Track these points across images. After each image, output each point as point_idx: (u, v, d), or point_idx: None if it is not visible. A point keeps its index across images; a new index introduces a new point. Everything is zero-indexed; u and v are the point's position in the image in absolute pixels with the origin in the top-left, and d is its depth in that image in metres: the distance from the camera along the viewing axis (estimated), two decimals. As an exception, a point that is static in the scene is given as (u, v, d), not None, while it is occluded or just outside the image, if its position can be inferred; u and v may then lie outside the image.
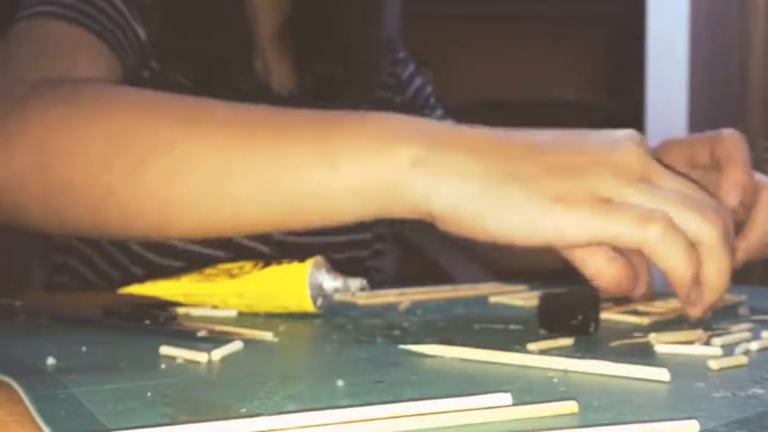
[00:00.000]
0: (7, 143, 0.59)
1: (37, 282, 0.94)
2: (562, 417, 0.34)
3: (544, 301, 0.55)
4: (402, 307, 0.63)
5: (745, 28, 2.12)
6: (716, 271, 0.51)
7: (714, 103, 2.16)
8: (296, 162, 0.53)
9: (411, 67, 1.06)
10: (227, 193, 0.55)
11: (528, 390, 0.39)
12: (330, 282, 0.59)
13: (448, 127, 0.54)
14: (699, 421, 0.32)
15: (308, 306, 0.58)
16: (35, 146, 0.58)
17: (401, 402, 0.34)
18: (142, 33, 0.81)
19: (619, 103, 2.72)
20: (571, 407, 0.35)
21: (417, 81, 1.05)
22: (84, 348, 0.48)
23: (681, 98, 2.16)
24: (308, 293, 0.58)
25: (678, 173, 0.53)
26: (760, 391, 0.39)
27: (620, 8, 2.73)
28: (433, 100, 1.06)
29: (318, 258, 0.59)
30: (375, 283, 0.92)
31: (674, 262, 0.49)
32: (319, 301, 0.59)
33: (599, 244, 0.50)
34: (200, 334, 0.50)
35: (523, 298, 0.67)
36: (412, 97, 1.04)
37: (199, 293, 0.60)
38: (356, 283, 0.59)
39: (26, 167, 0.59)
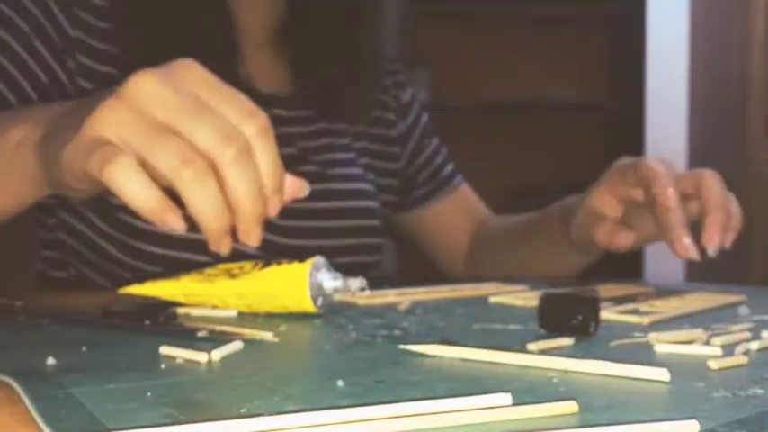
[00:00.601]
0: None
1: (33, 279, 0.94)
2: (562, 417, 0.34)
3: (544, 301, 0.55)
4: (402, 307, 0.63)
5: (745, 28, 2.12)
6: (240, 195, 0.49)
7: (714, 103, 2.16)
8: None
9: (410, 92, 1.06)
10: None
11: (528, 390, 0.39)
12: (330, 281, 0.59)
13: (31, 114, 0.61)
14: (699, 421, 0.32)
15: (309, 306, 0.58)
16: None
17: (401, 402, 0.34)
18: (35, 66, 0.82)
19: (619, 103, 2.72)
20: (571, 407, 0.35)
21: (415, 108, 1.06)
22: (84, 348, 0.48)
23: (681, 98, 2.16)
24: (308, 293, 0.58)
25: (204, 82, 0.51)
26: (760, 391, 0.39)
27: (620, 8, 2.73)
28: (429, 127, 1.07)
29: (318, 258, 0.59)
30: (375, 283, 0.93)
31: (132, 198, 0.48)
32: (319, 300, 0.59)
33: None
34: (200, 334, 0.50)
35: (523, 298, 0.67)
36: (411, 124, 1.04)
37: (199, 293, 0.60)
38: (356, 282, 0.59)
39: None
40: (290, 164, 0.89)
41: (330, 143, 0.94)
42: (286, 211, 0.88)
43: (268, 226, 0.86)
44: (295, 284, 0.58)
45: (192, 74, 0.50)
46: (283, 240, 0.88)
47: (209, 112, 0.49)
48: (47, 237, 0.91)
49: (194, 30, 0.84)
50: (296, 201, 0.89)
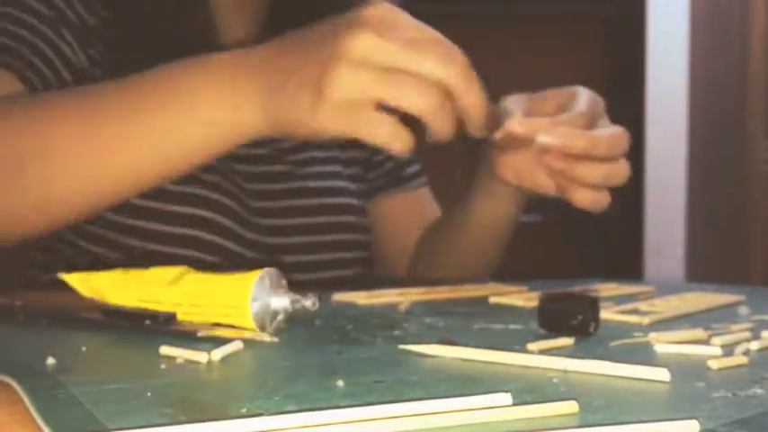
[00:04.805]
0: None
1: (23, 283, 0.95)
2: (562, 417, 0.34)
3: (544, 301, 0.55)
4: (402, 307, 0.63)
5: (746, 28, 2.12)
6: (471, 102, 0.59)
7: (714, 102, 2.16)
8: (152, 134, 0.64)
9: None
10: (99, 178, 0.66)
11: (528, 390, 0.39)
12: (278, 301, 0.52)
13: (232, 59, 0.64)
14: (699, 421, 0.32)
15: (252, 325, 0.51)
16: None
17: (401, 402, 0.34)
18: (79, 58, 0.82)
19: (619, 103, 2.72)
20: (571, 407, 0.35)
21: None
22: (84, 348, 0.48)
23: (681, 98, 2.16)
24: (250, 313, 0.51)
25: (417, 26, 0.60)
26: (760, 391, 0.39)
27: (620, 8, 2.73)
28: None
29: (266, 273, 0.53)
30: (374, 283, 0.92)
31: (401, 146, 0.59)
32: (271, 324, 0.52)
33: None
34: (201, 334, 0.50)
35: (523, 298, 0.67)
36: None
37: (129, 293, 0.56)
38: (308, 300, 0.52)
39: None
40: (261, 163, 0.90)
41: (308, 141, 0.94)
42: (263, 210, 0.90)
43: (248, 225, 0.88)
44: (237, 298, 0.52)
45: (390, 16, 0.59)
46: (262, 238, 0.88)
47: (424, 46, 0.58)
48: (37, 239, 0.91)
49: (175, 30, 0.84)
50: (270, 200, 0.89)
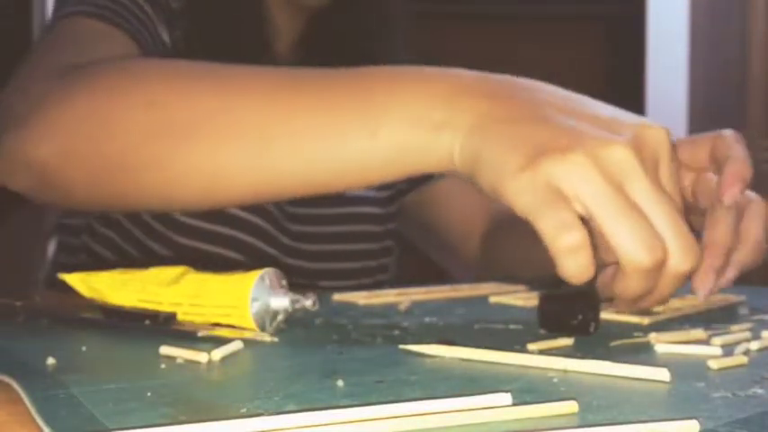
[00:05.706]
0: (49, 123, 0.61)
1: (40, 277, 0.96)
2: (562, 417, 0.34)
3: (544, 301, 0.55)
4: (402, 307, 0.63)
5: (746, 28, 2.12)
6: (667, 289, 0.49)
7: (714, 102, 2.16)
8: (336, 131, 0.54)
9: None
10: (269, 161, 0.56)
11: (528, 390, 0.39)
12: (278, 300, 0.52)
13: (462, 77, 0.55)
14: (699, 421, 0.32)
15: (252, 326, 0.52)
16: (76, 122, 0.60)
17: (401, 402, 0.34)
18: (166, 37, 0.84)
19: (619, 102, 2.72)
20: (571, 407, 0.35)
21: None
22: (84, 348, 0.48)
23: (681, 98, 2.16)
24: (249, 313, 0.52)
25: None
26: (760, 391, 0.39)
27: (621, 8, 2.73)
28: None
29: (266, 273, 0.53)
30: (376, 283, 0.94)
31: (569, 273, 0.47)
32: (270, 324, 0.53)
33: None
34: (201, 334, 0.50)
35: (523, 298, 0.67)
36: None
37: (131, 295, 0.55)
38: (308, 300, 0.52)
39: (71, 144, 0.60)
40: None
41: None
42: (294, 216, 0.91)
43: (284, 230, 0.89)
44: (237, 298, 0.52)
45: (660, 152, 0.50)
46: (292, 243, 0.91)
47: (674, 202, 0.49)
48: (64, 222, 0.94)
49: (233, 25, 0.86)
50: (301, 205, 0.91)
